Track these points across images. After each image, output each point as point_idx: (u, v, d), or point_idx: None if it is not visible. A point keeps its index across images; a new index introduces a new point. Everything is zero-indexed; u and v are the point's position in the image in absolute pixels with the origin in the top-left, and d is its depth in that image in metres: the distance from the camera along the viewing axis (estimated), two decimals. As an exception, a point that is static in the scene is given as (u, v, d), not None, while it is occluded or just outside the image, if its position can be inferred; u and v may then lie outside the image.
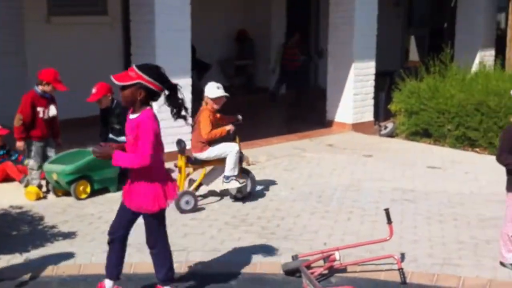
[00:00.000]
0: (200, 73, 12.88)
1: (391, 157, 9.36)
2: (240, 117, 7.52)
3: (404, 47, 17.05)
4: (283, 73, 13.71)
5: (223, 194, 7.55)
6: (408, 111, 10.53)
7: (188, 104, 8.86)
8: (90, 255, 5.83)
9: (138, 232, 6.33)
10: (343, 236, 6.27)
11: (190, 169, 7.32)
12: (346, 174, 8.48)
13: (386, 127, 10.93)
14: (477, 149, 9.70)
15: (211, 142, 7.19)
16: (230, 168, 7.15)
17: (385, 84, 11.89)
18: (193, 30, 9.18)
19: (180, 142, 7.14)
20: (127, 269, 5.64)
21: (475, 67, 12.03)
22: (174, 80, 8.83)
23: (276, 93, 13.82)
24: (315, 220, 6.76)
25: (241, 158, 7.33)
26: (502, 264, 5.53)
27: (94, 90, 7.72)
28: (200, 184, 7.39)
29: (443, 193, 7.66)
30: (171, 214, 6.87)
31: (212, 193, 7.62)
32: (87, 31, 11.15)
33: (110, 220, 6.66)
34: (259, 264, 5.74)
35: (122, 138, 7.78)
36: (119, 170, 7.61)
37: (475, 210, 7.06)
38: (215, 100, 7.16)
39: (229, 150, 7.16)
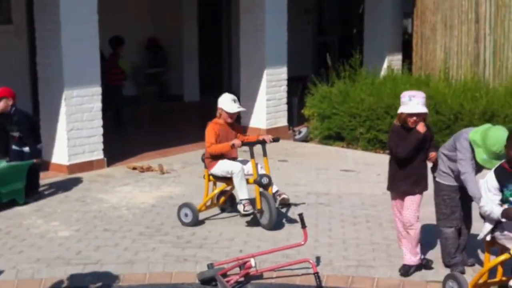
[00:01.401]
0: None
1: (305, 162, 9.45)
2: (269, 138, 6.93)
3: (316, 53, 17.31)
4: (111, 92, 11.19)
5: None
6: (320, 116, 10.67)
7: (99, 113, 8.83)
8: (-3, 273, 5.57)
9: (49, 247, 6.14)
10: (259, 243, 6.25)
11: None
12: (261, 180, 8.46)
13: (300, 132, 11.04)
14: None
15: (219, 157, 6.67)
16: (238, 192, 6.64)
17: (297, 89, 12.01)
18: (102, 38, 8.99)
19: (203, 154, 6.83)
20: (36, 286, 5.44)
21: (383, 72, 12.34)
22: (83, 89, 8.82)
23: (121, 118, 11.64)
24: (231, 227, 6.72)
25: (261, 182, 6.52)
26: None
27: None
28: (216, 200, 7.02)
29: (356, 195, 7.78)
30: (83, 227, 6.68)
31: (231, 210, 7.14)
32: (-9, 40, 10.74)
33: (19, 235, 6.47)
34: (174, 274, 5.64)
35: (27, 148, 7.52)
36: (26, 182, 7.36)
37: (387, 211, 7.17)
38: (231, 114, 6.72)
39: (231, 171, 6.59)
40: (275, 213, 6.52)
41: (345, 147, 10.37)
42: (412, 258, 5.51)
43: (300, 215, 5.75)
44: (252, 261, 5.48)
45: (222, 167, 6.67)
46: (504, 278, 4.98)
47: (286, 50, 11.16)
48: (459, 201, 5.52)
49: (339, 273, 5.61)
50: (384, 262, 5.78)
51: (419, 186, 5.47)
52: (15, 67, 10.93)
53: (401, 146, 5.36)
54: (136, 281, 5.57)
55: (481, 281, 5.02)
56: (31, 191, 7.51)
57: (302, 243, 5.75)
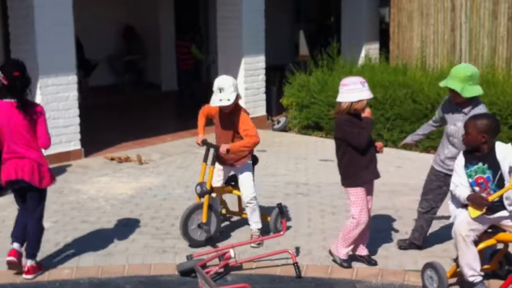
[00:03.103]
0: (87, 71, 12.57)
1: (284, 151, 9.44)
2: (222, 149, 5.77)
3: (294, 42, 17.31)
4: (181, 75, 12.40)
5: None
6: (299, 105, 10.67)
7: (75, 102, 8.73)
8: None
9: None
10: (238, 233, 6.23)
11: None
12: (240, 169, 8.45)
13: (279, 122, 11.03)
14: (366, 140, 9.95)
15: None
16: None
17: (276, 78, 11.99)
18: (79, 26, 8.88)
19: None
20: (14, 278, 5.38)
21: (361, 61, 12.36)
22: (59, 78, 8.67)
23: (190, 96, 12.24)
24: (210, 217, 6.69)
25: (195, 190, 5.79)
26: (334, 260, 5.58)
27: None
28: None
29: (335, 185, 7.70)
30: (61, 218, 6.60)
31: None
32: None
33: (-6, 228, 6.38)
34: (153, 266, 5.61)
35: None
36: None
37: (365, 200, 7.22)
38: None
39: None
40: (215, 228, 5.87)
41: (324, 136, 10.37)
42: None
43: (279, 205, 5.75)
44: (232, 252, 5.46)
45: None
46: (486, 266, 5.01)
47: (263, 39, 11.13)
48: (436, 186, 5.63)
49: (318, 263, 5.61)
50: (363, 251, 5.79)
51: (377, 171, 5.47)
52: (-11, 56, 10.77)
53: (362, 133, 5.28)
54: (115, 273, 5.52)
55: (459, 269, 5.06)
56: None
57: (281, 233, 5.75)
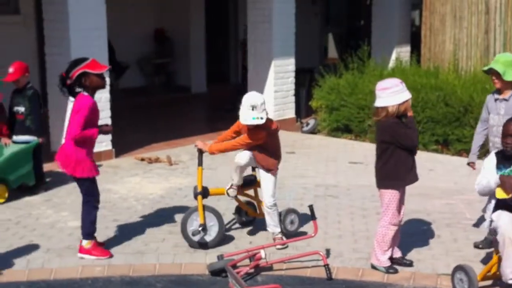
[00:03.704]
0: (118, 74, 12.70)
1: (313, 154, 9.43)
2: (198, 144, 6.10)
3: (323, 44, 17.28)
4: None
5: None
6: (328, 108, 10.64)
7: (107, 104, 8.81)
8: (8, 262, 5.57)
9: (59, 237, 6.15)
10: (268, 234, 6.21)
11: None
12: (269, 171, 8.44)
13: (308, 124, 11.02)
14: (396, 144, 9.88)
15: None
16: None
17: (305, 81, 11.98)
18: (110, 29, 8.97)
19: None
20: (47, 275, 5.45)
21: (391, 63, 12.28)
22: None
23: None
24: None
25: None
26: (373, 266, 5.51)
27: (11, 70, 7.34)
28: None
29: (365, 187, 7.75)
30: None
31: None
32: (-2, 30, 10.75)
33: (29, 225, 6.47)
34: (184, 265, 5.64)
35: (23, 138, 7.36)
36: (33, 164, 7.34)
37: (396, 203, 7.16)
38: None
39: None
40: (216, 232, 5.88)
41: (353, 139, 10.33)
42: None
43: (310, 207, 5.74)
44: (262, 253, 5.47)
45: None
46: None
47: (293, 42, 11.12)
48: None
49: (349, 265, 5.59)
50: (394, 254, 5.75)
51: (417, 173, 5.45)
52: (23, 58, 10.84)
53: (412, 133, 5.24)
54: (146, 272, 5.57)
55: (490, 273, 5.00)
56: (39, 180, 7.50)
57: (313, 235, 5.73)
